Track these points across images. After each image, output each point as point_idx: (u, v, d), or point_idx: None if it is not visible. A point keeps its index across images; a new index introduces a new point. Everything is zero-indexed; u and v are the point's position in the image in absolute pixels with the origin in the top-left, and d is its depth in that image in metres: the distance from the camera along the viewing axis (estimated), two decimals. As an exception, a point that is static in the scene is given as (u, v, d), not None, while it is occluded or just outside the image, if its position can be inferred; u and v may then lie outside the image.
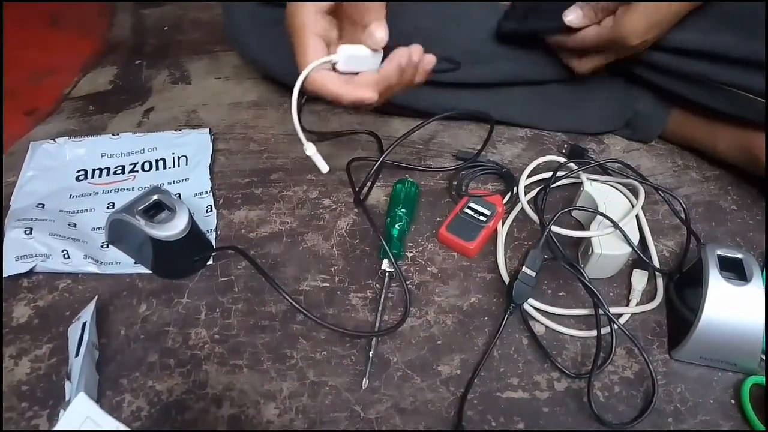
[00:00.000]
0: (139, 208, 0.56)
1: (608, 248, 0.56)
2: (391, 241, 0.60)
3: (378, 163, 0.61)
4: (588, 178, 0.62)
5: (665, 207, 0.65)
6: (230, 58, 0.88)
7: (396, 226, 0.61)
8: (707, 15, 0.61)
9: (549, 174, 0.66)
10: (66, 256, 0.59)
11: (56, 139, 0.71)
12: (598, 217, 0.58)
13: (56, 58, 0.90)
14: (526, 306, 0.56)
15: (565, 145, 0.72)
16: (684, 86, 0.66)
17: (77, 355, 0.50)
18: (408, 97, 0.73)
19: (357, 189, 0.63)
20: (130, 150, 0.71)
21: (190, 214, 0.57)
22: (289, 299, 0.53)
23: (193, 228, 0.57)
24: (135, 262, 0.60)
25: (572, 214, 0.65)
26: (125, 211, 0.56)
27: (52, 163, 0.69)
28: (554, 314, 0.56)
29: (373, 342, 0.53)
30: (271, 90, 0.82)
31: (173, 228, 0.55)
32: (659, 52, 0.64)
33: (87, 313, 0.53)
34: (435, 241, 0.63)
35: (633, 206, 0.60)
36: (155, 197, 0.57)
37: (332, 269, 0.60)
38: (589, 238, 0.57)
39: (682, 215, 0.62)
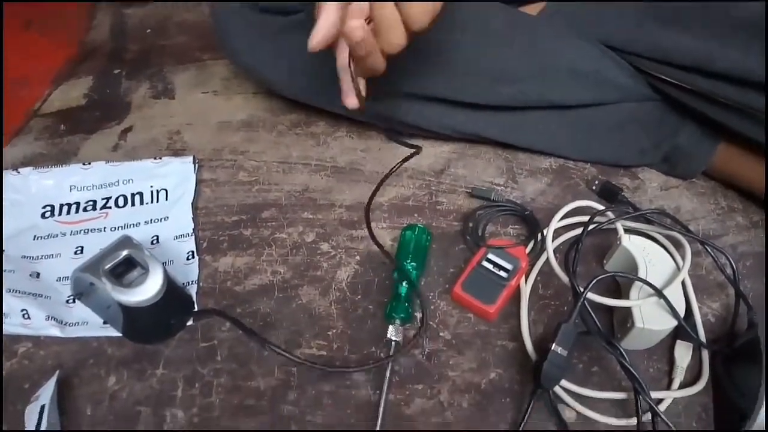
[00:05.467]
0: (106, 267, 0.48)
1: (651, 321, 0.48)
2: (399, 302, 0.52)
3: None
4: (625, 230, 0.54)
5: (709, 260, 0.57)
6: (219, 68, 0.80)
7: (404, 283, 0.53)
8: (760, 38, 0.52)
9: (577, 218, 0.58)
10: (26, 316, 0.52)
11: (20, 170, 0.63)
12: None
13: (28, 66, 0.81)
14: (554, 387, 0.48)
15: (596, 181, 0.64)
16: (733, 117, 0.57)
17: (33, 444, 0.43)
18: (420, 117, 0.65)
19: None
20: (103, 182, 0.63)
21: (165, 273, 0.49)
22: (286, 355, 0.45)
23: (170, 288, 0.49)
24: (104, 322, 0.53)
25: (605, 267, 0.57)
26: (90, 270, 0.48)
27: (17, 196, 0.61)
28: (586, 397, 0.48)
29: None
30: (264, 108, 0.74)
31: (145, 292, 0.48)
32: (705, 77, 0.56)
33: (47, 393, 0.46)
34: (448, 298, 0.55)
35: (677, 266, 0.52)
36: (125, 253, 0.49)
37: (330, 333, 0.53)
38: (628, 307, 0.49)
39: (729, 271, 0.54)
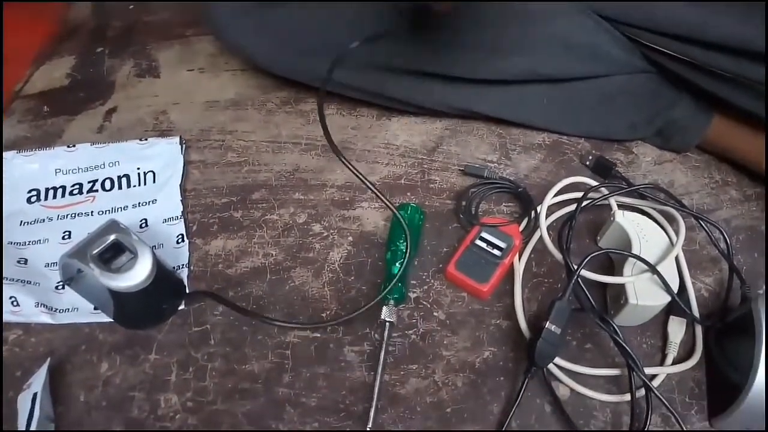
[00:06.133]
0: (94, 252, 0.48)
1: (645, 297, 0.48)
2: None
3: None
4: (619, 206, 0.54)
5: (702, 234, 0.57)
6: (204, 45, 0.77)
7: (397, 263, 0.53)
8: (759, 7, 0.51)
9: (571, 194, 0.58)
10: (15, 303, 0.51)
11: (3, 153, 0.61)
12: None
13: (6, 44, 0.78)
14: (548, 364, 0.48)
15: (590, 156, 0.63)
16: (728, 88, 0.57)
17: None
18: (412, 93, 0.64)
19: None
20: (89, 165, 0.62)
21: (154, 257, 0.48)
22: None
23: (160, 273, 0.49)
24: (94, 308, 0.52)
25: (598, 244, 0.57)
26: (77, 256, 0.48)
27: None
28: (580, 374, 0.48)
29: (371, 413, 0.46)
30: (252, 85, 0.72)
31: (134, 277, 0.47)
32: (700, 47, 0.55)
33: (38, 381, 0.46)
34: (442, 278, 0.55)
35: (671, 241, 0.52)
36: (112, 237, 0.49)
37: (324, 315, 0.52)
38: (622, 283, 0.49)
39: (723, 246, 0.54)
